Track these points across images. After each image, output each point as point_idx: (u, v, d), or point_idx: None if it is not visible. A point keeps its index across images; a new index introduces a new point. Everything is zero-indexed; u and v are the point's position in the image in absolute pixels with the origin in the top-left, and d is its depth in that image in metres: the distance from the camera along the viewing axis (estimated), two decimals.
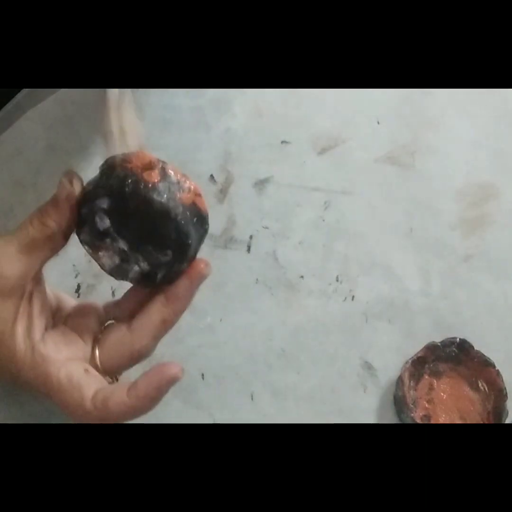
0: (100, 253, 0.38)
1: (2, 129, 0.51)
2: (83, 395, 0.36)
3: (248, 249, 0.51)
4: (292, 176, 0.53)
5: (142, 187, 0.37)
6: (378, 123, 0.55)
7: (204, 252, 0.50)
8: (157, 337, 0.39)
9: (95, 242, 0.38)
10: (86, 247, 0.38)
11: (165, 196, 0.37)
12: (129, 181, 0.37)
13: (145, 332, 0.39)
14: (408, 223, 0.53)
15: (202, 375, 0.48)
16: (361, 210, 0.53)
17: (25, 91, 0.52)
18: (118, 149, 0.41)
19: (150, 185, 0.37)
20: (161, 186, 0.37)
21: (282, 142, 0.54)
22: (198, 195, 0.38)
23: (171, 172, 0.38)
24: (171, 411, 0.46)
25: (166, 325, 0.39)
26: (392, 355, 0.49)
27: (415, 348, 0.48)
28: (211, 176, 0.52)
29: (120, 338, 0.39)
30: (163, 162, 0.38)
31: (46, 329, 0.39)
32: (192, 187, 0.38)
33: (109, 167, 0.37)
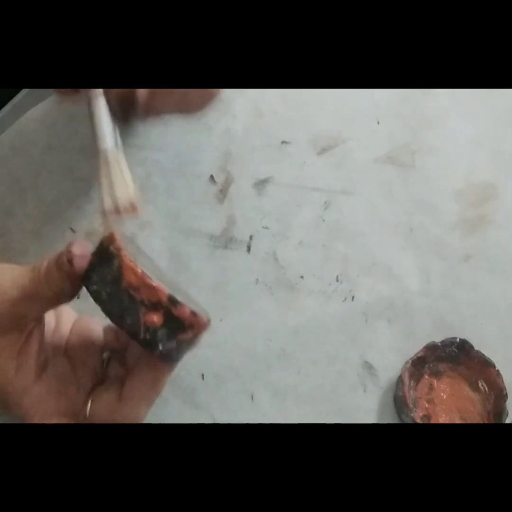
0: None
1: (2, 129, 0.51)
2: None
3: (248, 249, 0.51)
4: (292, 176, 0.53)
5: (142, 331, 0.35)
6: (378, 123, 0.55)
7: (204, 253, 0.50)
8: (148, 403, 0.38)
9: None
10: None
11: (160, 345, 0.36)
12: (129, 321, 0.35)
13: (135, 401, 0.38)
14: (408, 223, 0.53)
15: (202, 375, 0.48)
16: (361, 210, 0.53)
17: (25, 91, 0.52)
18: (106, 202, 0.40)
19: (148, 334, 0.35)
20: (160, 333, 0.36)
21: (282, 142, 0.54)
22: (202, 326, 0.37)
23: (176, 315, 0.36)
24: (171, 411, 0.46)
25: (156, 387, 0.38)
26: (392, 355, 0.49)
27: (415, 348, 0.48)
28: (211, 176, 0.52)
29: (111, 404, 0.38)
30: (172, 302, 0.35)
31: (43, 367, 0.39)
32: (197, 323, 0.36)
33: (116, 277, 0.35)
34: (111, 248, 0.36)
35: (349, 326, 0.50)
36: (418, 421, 0.46)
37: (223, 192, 0.52)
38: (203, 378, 0.47)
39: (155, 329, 0.35)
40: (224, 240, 0.51)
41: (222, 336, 0.49)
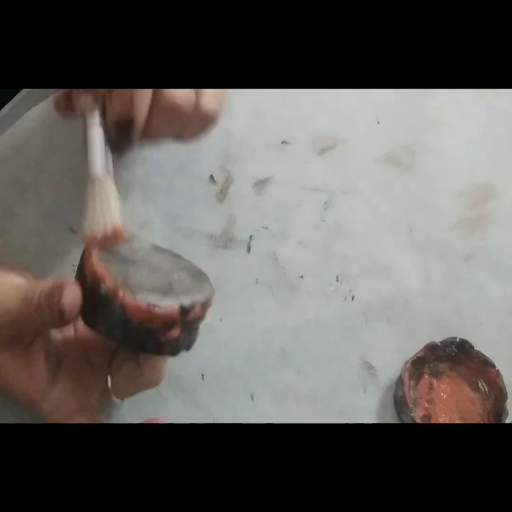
0: None
1: (2, 129, 0.51)
2: None
3: (248, 249, 0.51)
4: (292, 176, 0.53)
5: (166, 348, 0.36)
6: (378, 123, 0.55)
7: (204, 253, 0.50)
8: (166, 360, 0.39)
9: None
10: None
11: (187, 343, 0.37)
12: (151, 346, 0.36)
13: (153, 362, 0.39)
14: (408, 223, 0.53)
15: (202, 375, 0.48)
16: (361, 210, 0.53)
17: (25, 91, 0.52)
18: (87, 227, 0.39)
19: (171, 346, 0.36)
20: (182, 339, 0.36)
21: (282, 142, 0.54)
22: (211, 305, 0.38)
23: (191, 316, 0.36)
24: (171, 411, 0.46)
25: None
26: (392, 355, 0.49)
27: (415, 348, 0.48)
28: (211, 176, 0.52)
29: (130, 372, 0.39)
30: (185, 312, 0.36)
31: (56, 370, 0.39)
32: (207, 308, 0.37)
33: (123, 318, 0.35)
34: (103, 288, 0.35)
35: (349, 326, 0.50)
36: (418, 421, 0.46)
37: (223, 192, 0.52)
38: (203, 378, 0.47)
39: (177, 339, 0.36)
40: (224, 240, 0.51)
41: (222, 336, 0.49)
